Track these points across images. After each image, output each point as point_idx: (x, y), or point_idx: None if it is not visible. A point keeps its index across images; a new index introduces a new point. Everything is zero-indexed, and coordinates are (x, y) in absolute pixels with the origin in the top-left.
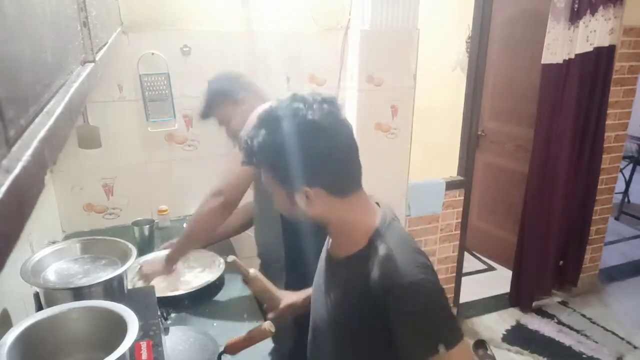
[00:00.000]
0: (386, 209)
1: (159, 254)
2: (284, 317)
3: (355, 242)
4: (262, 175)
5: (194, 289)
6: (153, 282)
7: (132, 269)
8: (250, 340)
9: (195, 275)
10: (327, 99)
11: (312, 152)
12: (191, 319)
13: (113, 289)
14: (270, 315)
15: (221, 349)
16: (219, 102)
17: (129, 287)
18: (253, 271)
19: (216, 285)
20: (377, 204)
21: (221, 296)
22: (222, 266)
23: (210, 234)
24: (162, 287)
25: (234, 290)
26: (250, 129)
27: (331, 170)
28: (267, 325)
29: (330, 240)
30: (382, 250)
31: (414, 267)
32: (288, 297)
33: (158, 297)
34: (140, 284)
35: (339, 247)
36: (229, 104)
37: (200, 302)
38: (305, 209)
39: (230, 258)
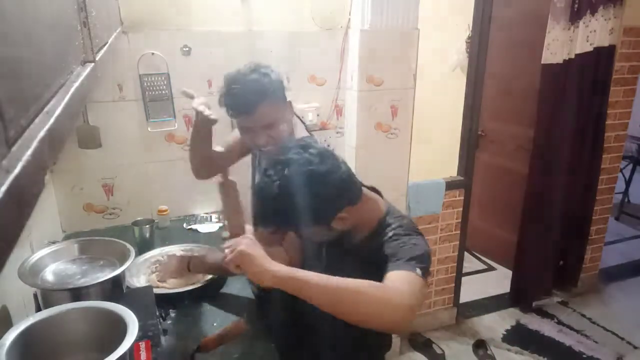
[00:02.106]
0: (385, 199)
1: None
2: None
3: (367, 228)
4: (291, 233)
5: (193, 287)
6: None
7: (152, 259)
8: (224, 337)
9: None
10: (305, 145)
11: (327, 187)
12: (191, 319)
13: (111, 290)
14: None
15: (195, 347)
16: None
17: (145, 281)
18: (232, 180)
19: (217, 284)
20: (364, 185)
21: (221, 296)
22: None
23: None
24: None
25: (233, 289)
26: (257, 210)
27: (347, 189)
28: (242, 322)
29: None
30: (394, 223)
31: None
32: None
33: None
34: (154, 277)
35: (354, 236)
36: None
37: (200, 300)
38: (344, 228)
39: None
